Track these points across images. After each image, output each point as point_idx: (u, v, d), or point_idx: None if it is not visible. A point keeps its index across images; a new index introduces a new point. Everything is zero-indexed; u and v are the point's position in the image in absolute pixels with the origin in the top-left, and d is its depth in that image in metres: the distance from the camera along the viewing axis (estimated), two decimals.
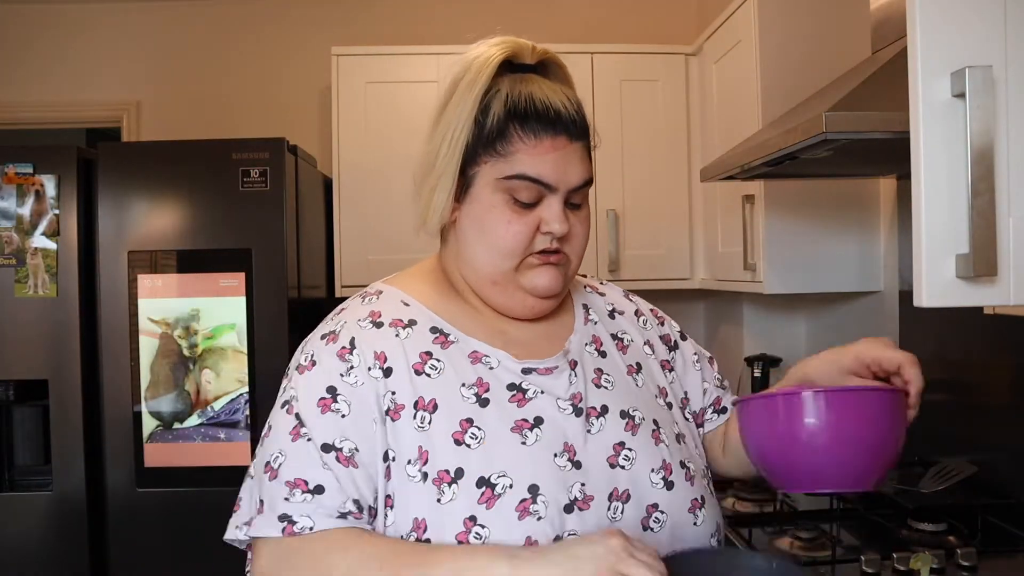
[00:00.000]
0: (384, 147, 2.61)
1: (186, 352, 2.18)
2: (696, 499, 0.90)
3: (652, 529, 0.86)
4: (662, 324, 1.07)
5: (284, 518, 0.79)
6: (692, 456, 0.95)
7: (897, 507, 1.59)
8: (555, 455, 0.84)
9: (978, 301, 0.81)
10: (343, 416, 0.82)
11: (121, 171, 2.20)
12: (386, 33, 3.02)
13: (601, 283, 1.09)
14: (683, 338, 1.08)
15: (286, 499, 0.79)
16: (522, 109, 0.86)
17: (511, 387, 0.87)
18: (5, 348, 2.16)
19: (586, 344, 0.95)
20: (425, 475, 0.81)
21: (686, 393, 1.04)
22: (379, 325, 0.88)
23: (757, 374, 2.44)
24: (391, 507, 0.81)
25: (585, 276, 1.09)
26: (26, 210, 2.15)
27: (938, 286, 0.80)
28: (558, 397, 0.88)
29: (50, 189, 2.16)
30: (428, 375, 0.85)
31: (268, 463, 0.82)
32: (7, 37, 2.99)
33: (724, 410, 1.06)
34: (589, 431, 0.87)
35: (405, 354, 0.86)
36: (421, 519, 0.80)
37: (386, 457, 0.82)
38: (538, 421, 0.85)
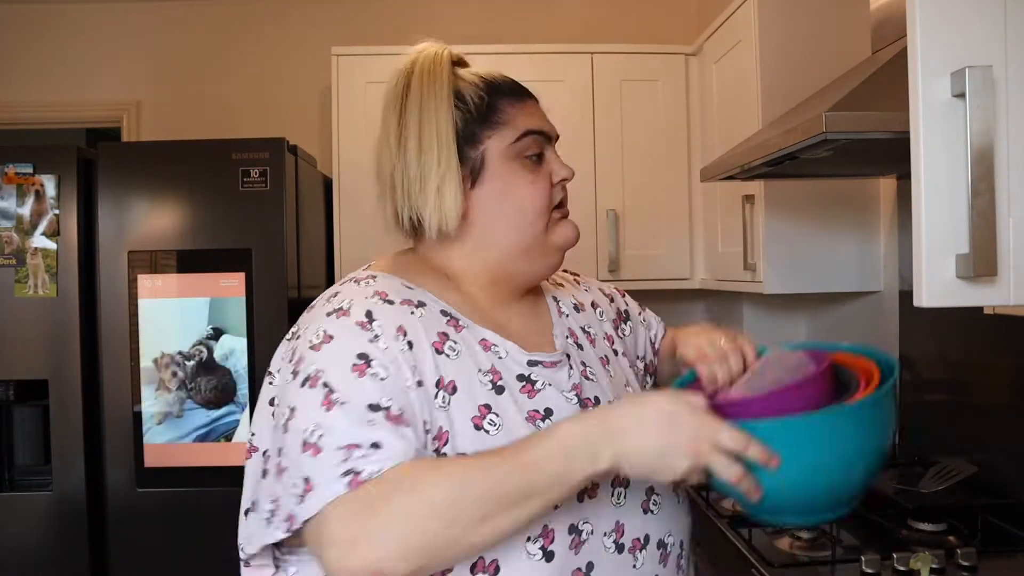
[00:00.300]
0: None
1: (185, 352, 2.18)
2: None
3: (652, 512, 0.88)
4: (612, 301, 1.10)
5: (348, 472, 0.72)
6: None
7: (897, 507, 1.59)
8: None
9: (978, 301, 0.81)
10: (382, 379, 0.77)
11: (121, 171, 2.20)
12: (386, 33, 3.01)
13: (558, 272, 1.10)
14: (625, 302, 1.13)
15: (344, 460, 0.72)
16: (497, 85, 0.92)
17: (520, 378, 0.87)
18: (5, 348, 2.16)
19: (567, 337, 0.97)
20: (444, 456, 0.79)
21: (645, 353, 1.11)
22: (390, 303, 0.84)
23: None
24: None
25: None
26: (26, 210, 2.15)
27: (938, 286, 0.80)
28: (563, 389, 0.89)
29: (50, 189, 2.16)
30: (447, 355, 0.83)
31: (305, 442, 0.75)
32: (7, 37, 2.99)
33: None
34: None
35: (424, 331, 0.83)
36: None
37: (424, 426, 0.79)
38: (548, 412, 0.86)
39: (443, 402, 0.81)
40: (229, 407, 2.18)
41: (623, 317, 1.10)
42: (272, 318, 2.18)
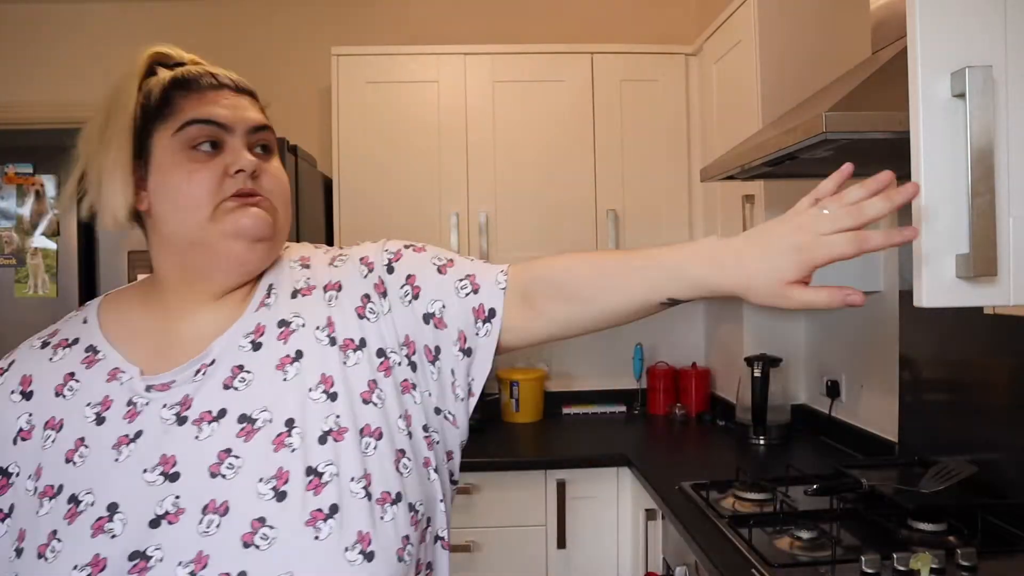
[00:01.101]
0: (384, 147, 2.62)
1: None
2: (320, 510, 0.78)
3: (258, 546, 0.76)
4: (371, 269, 0.92)
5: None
6: (346, 455, 0.81)
7: (897, 507, 1.59)
8: (145, 470, 0.79)
9: (978, 301, 0.81)
10: None
11: None
12: (386, 33, 3.02)
13: (320, 249, 0.98)
14: (390, 271, 0.92)
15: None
16: (181, 79, 0.86)
17: (129, 403, 0.83)
18: (5, 348, 2.14)
19: (245, 335, 0.87)
20: (36, 489, 0.81)
21: (407, 335, 0.89)
22: (45, 345, 0.92)
23: (757, 374, 2.44)
24: (5, 519, 0.83)
25: (305, 245, 0.99)
26: (26, 210, 2.15)
27: (938, 286, 0.80)
28: (165, 405, 0.82)
29: (50, 189, 2.16)
30: (65, 396, 0.85)
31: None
32: (7, 37, 2.99)
33: (492, 313, 0.90)
34: (197, 438, 0.80)
35: (52, 375, 0.87)
36: (23, 529, 0.80)
37: (4, 473, 0.83)
38: (138, 435, 0.81)
39: (46, 440, 0.83)
40: None
41: (379, 290, 0.91)
42: None
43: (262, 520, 0.77)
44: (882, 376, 2.09)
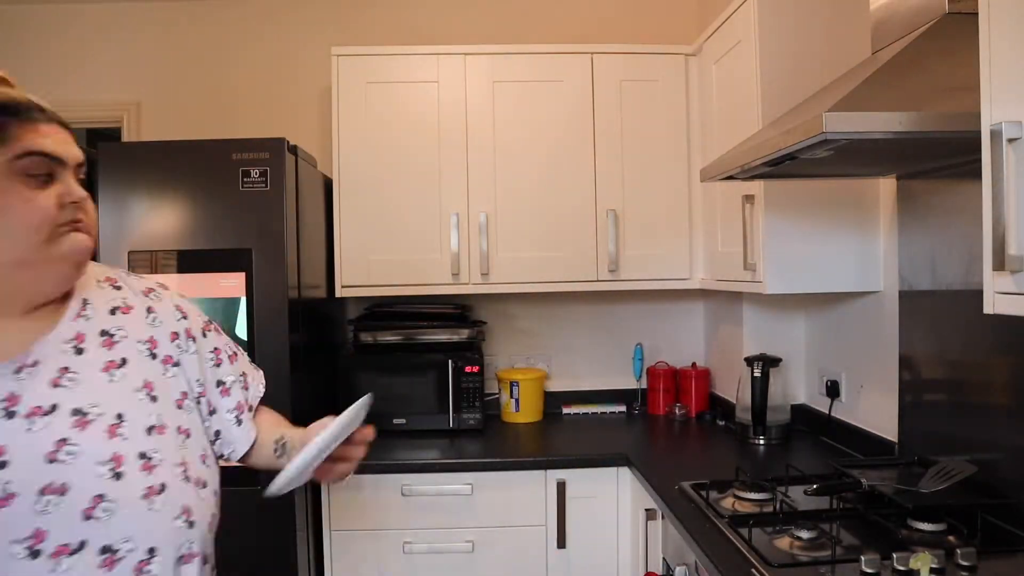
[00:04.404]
0: (384, 147, 2.62)
1: None
2: (152, 486, 0.97)
3: (99, 518, 0.92)
4: (185, 318, 1.16)
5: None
6: (168, 445, 1.02)
7: (897, 507, 1.59)
8: None
9: None
10: None
11: (121, 171, 2.20)
12: (386, 33, 3.02)
13: (131, 276, 1.17)
14: (204, 335, 1.19)
15: None
16: (12, 106, 0.98)
17: None
18: None
19: (64, 341, 1.00)
20: None
21: (199, 382, 1.15)
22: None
23: (757, 374, 2.44)
24: None
25: (115, 269, 1.16)
26: None
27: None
28: None
29: None
30: None
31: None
32: (7, 37, 2.99)
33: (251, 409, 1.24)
34: (30, 430, 0.92)
35: None
36: None
37: None
38: None
39: None
40: None
41: (189, 336, 1.15)
42: (272, 318, 2.18)
43: (102, 496, 0.92)
44: (882, 376, 2.09)
